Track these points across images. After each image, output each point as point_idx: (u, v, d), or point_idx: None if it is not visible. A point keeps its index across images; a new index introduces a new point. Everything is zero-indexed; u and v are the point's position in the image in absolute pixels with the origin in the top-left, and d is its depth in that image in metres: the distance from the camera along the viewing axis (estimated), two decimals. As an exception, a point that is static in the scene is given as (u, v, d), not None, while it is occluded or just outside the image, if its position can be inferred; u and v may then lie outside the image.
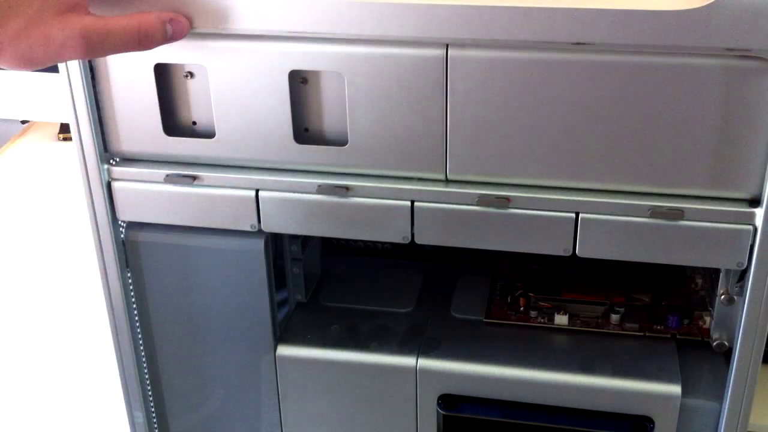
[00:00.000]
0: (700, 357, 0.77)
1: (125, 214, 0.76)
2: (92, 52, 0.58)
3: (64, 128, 1.57)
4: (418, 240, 0.71)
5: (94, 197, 0.75)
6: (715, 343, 0.75)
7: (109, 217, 0.76)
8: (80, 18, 0.57)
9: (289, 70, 0.67)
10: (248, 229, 0.74)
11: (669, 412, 0.74)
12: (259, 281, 0.77)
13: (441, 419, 0.79)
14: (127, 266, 0.79)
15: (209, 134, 0.72)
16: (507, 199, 0.68)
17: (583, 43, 0.61)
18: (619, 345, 0.79)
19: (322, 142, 0.71)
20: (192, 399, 0.85)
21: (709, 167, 0.64)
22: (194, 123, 0.73)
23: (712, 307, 0.76)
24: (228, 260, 0.77)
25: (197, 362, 0.83)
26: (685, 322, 0.80)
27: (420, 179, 0.70)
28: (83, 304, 1.21)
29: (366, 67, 0.65)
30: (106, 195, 0.75)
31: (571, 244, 0.68)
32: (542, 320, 0.81)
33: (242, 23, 0.64)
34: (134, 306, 0.81)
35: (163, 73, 0.71)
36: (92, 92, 0.71)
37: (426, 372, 0.78)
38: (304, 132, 0.71)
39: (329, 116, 0.70)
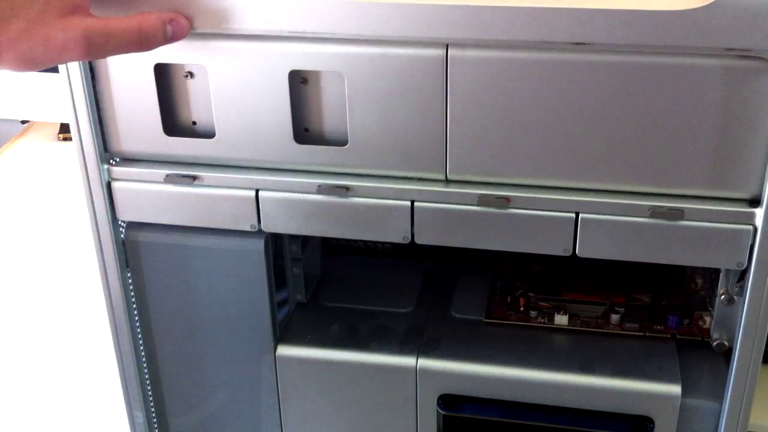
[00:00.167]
0: (700, 357, 0.77)
1: (125, 214, 0.76)
2: (93, 54, 0.58)
3: (64, 128, 1.57)
4: (418, 240, 0.71)
5: (94, 197, 0.75)
6: (715, 343, 0.75)
7: (109, 217, 0.76)
8: (81, 19, 0.57)
9: (289, 70, 0.67)
10: (248, 229, 0.74)
11: (669, 412, 0.74)
12: (259, 281, 0.77)
13: (441, 419, 0.79)
14: (127, 266, 0.79)
15: (209, 134, 0.72)
16: (507, 199, 0.68)
17: (583, 43, 0.61)
18: (619, 345, 0.79)
19: (322, 142, 0.71)
20: (192, 399, 0.85)
21: (709, 167, 0.64)
22: (194, 123, 0.73)
23: (712, 307, 0.76)
24: (228, 260, 0.77)
25: (197, 362, 0.83)
26: (685, 322, 0.80)
27: (420, 179, 0.70)
28: (83, 304, 1.21)
29: (366, 67, 0.65)
30: (106, 195, 0.75)
31: (571, 244, 0.68)
32: (542, 320, 0.81)
33: (242, 23, 0.64)
34: (134, 306, 0.81)
35: (163, 73, 0.71)
36: (92, 92, 0.71)
37: (426, 372, 0.78)
38: (304, 132, 0.71)
39: (329, 116, 0.70)
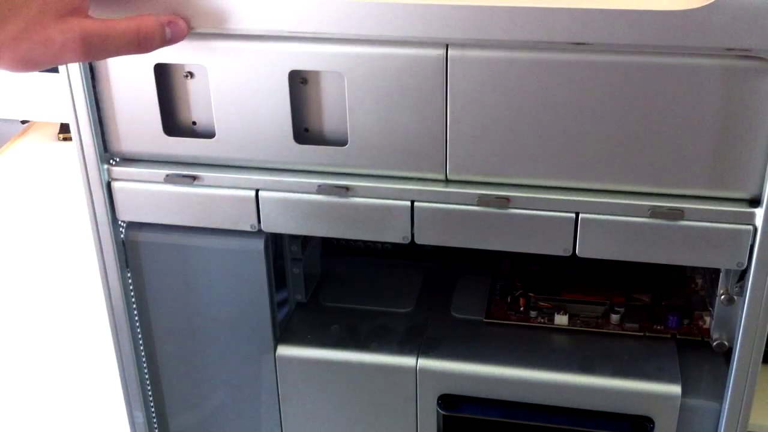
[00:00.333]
0: (700, 357, 0.77)
1: (125, 214, 0.76)
2: (91, 55, 0.58)
3: (64, 128, 1.57)
4: (418, 240, 0.71)
5: (94, 197, 0.75)
6: (715, 343, 0.75)
7: (109, 217, 0.76)
8: (80, 21, 0.57)
9: (289, 70, 0.67)
10: (248, 229, 0.74)
11: (669, 412, 0.74)
12: (259, 281, 0.77)
13: (441, 419, 0.79)
14: (127, 266, 0.79)
15: (209, 134, 0.72)
16: (507, 199, 0.68)
17: (583, 43, 0.60)
18: (619, 345, 0.79)
19: (322, 142, 0.71)
20: (192, 399, 0.85)
21: (709, 167, 0.64)
22: (194, 123, 0.73)
23: (712, 307, 0.76)
24: (228, 260, 0.77)
25: (197, 362, 0.83)
26: (685, 322, 0.80)
27: (420, 179, 0.70)
28: (83, 304, 1.21)
29: (366, 67, 0.65)
30: (106, 195, 0.75)
31: (571, 244, 0.68)
32: (542, 320, 0.81)
33: (242, 23, 0.64)
34: (134, 306, 0.81)
35: (163, 73, 0.71)
36: (92, 92, 0.71)
37: (426, 372, 0.78)
38: (304, 132, 0.71)
39: (329, 116, 0.70)
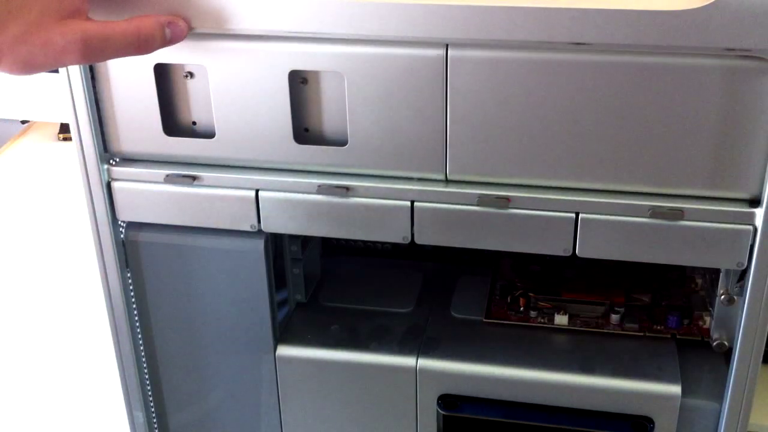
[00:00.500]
0: (700, 357, 0.77)
1: (125, 214, 0.76)
2: (92, 57, 0.58)
3: (64, 128, 1.57)
4: (418, 240, 0.71)
5: (94, 197, 0.75)
6: (715, 343, 0.75)
7: (109, 217, 0.76)
8: (80, 23, 0.57)
9: (289, 70, 0.67)
10: (248, 229, 0.74)
11: (669, 412, 0.74)
12: (259, 281, 0.77)
13: (441, 419, 0.79)
14: (127, 266, 0.79)
15: (209, 134, 0.72)
16: (507, 199, 0.68)
17: (583, 43, 0.60)
18: (619, 345, 0.79)
19: (322, 142, 0.71)
20: (192, 399, 0.85)
21: (709, 167, 0.64)
22: (194, 123, 0.73)
23: (712, 307, 0.76)
24: (228, 260, 0.77)
25: (197, 362, 0.83)
26: (685, 322, 0.80)
27: (420, 179, 0.70)
28: (83, 304, 1.21)
29: (366, 67, 0.65)
30: (106, 195, 0.75)
31: (571, 244, 0.68)
32: (542, 320, 0.81)
33: (242, 23, 0.64)
34: (134, 306, 0.81)
35: (163, 73, 0.71)
36: (92, 92, 0.71)
37: (426, 372, 0.78)
38: (304, 132, 0.71)
39: (329, 116, 0.70)
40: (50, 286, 1.26)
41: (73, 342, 1.17)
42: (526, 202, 0.68)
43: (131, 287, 0.80)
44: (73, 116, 0.72)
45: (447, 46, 0.64)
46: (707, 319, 0.79)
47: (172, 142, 0.72)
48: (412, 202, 0.70)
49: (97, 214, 0.76)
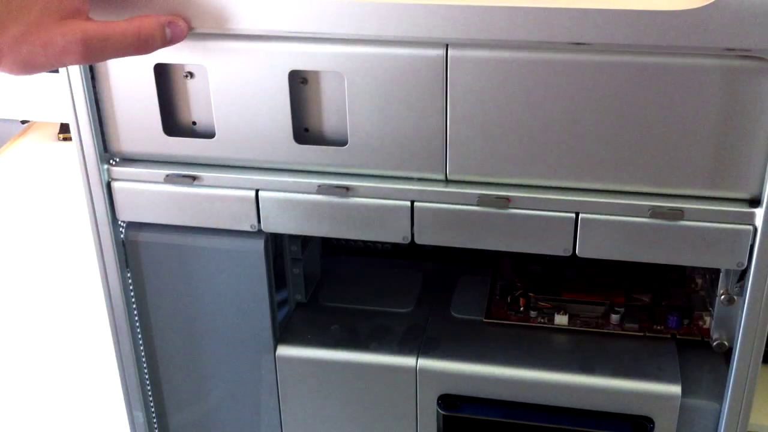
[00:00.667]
0: (700, 357, 0.77)
1: (125, 214, 0.76)
2: (92, 57, 0.58)
3: (64, 128, 1.57)
4: (418, 240, 0.71)
5: (94, 197, 0.75)
6: (715, 343, 0.75)
7: (109, 217, 0.76)
8: (80, 23, 0.57)
9: (289, 70, 0.67)
10: (248, 229, 0.74)
11: (669, 412, 0.74)
12: (259, 281, 0.77)
13: (441, 419, 0.79)
14: (127, 266, 0.79)
15: (209, 134, 0.72)
16: (507, 199, 0.68)
17: (583, 43, 0.60)
18: (619, 345, 0.79)
19: (322, 142, 0.71)
20: (192, 399, 0.85)
21: (709, 167, 0.64)
22: (194, 123, 0.73)
23: (712, 307, 0.76)
24: (228, 260, 0.77)
25: (197, 362, 0.83)
26: (685, 322, 0.80)
27: (420, 179, 0.70)
28: (83, 304, 1.21)
29: (366, 67, 0.65)
30: (106, 195, 0.75)
31: (571, 244, 0.68)
32: (542, 320, 0.81)
33: (242, 23, 0.64)
34: (134, 306, 0.81)
35: (163, 73, 0.71)
36: (92, 92, 0.71)
37: (426, 372, 0.78)
38: (304, 132, 0.71)
39: (329, 116, 0.70)
40: (50, 286, 1.26)
41: (73, 342, 1.17)
42: (526, 202, 0.68)
43: (131, 287, 0.80)
44: (73, 116, 0.72)
45: (447, 46, 0.64)
46: (707, 319, 0.79)
47: (172, 142, 0.72)
48: (412, 202, 0.70)
49: (97, 214, 0.76)
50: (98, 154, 0.73)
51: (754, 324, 0.67)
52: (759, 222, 0.64)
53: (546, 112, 0.64)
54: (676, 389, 0.74)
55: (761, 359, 0.69)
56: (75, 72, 0.70)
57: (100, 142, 0.73)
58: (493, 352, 0.78)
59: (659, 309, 0.81)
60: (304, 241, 0.83)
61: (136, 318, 0.81)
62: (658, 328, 0.80)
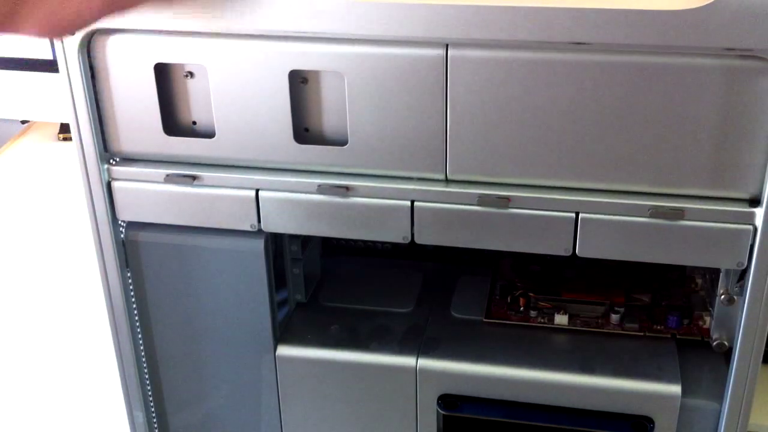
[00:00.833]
0: (700, 357, 0.77)
1: (125, 214, 0.76)
2: (113, 6, 0.57)
3: (64, 128, 1.57)
4: (418, 240, 0.71)
5: (94, 197, 0.75)
6: (715, 343, 0.75)
7: (109, 217, 0.76)
8: None
9: (289, 70, 0.67)
10: (248, 229, 0.74)
11: (669, 412, 0.74)
12: (259, 281, 0.77)
13: (441, 419, 0.79)
14: (127, 266, 0.79)
15: (209, 134, 0.72)
16: (507, 199, 0.68)
17: (583, 43, 0.61)
18: (619, 345, 0.79)
19: (322, 142, 0.71)
20: (192, 399, 0.85)
21: (709, 167, 0.64)
22: (194, 123, 0.73)
23: (712, 307, 0.76)
24: (228, 260, 0.77)
25: (197, 362, 0.83)
26: (685, 322, 0.80)
27: (420, 179, 0.70)
28: (83, 304, 1.21)
29: (366, 67, 0.65)
30: (106, 195, 0.75)
31: (571, 244, 0.68)
32: (542, 320, 0.81)
33: (242, 23, 0.64)
34: (134, 306, 0.81)
35: (163, 73, 0.71)
36: (92, 92, 0.71)
37: (426, 372, 0.78)
38: (304, 132, 0.71)
39: (329, 116, 0.70)
40: (50, 286, 1.26)
41: (74, 342, 1.17)
42: (526, 202, 0.68)
43: (131, 287, 0.80)
44: (73, 116, 0.72)
45: (447, 46, 0.64)
46: (707, 319, 0.79)
47: (172, 142, 0.72)
48: (412, 202, 0.70)
49: (97, 214, 0.76)
50: (98, 154, 0.73)
51: (754, 324, 0.67)
52: (759, 222, 0.64)
53: (546, 112, 0.64)
54: (676, 389, 0.74)
55: (761, 359, 0.69)
56: (75, 72, 0.70)
57: (100, 142, 0.73)
58: (493, 352, 0.78)
59: (659, 309, 0.81)
60: (304, 241, 0.83)
61: (136, 318, 0.81)
62: (658, 328, 0.80)
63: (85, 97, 0.71)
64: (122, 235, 0.78)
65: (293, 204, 0.72)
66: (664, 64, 0.61)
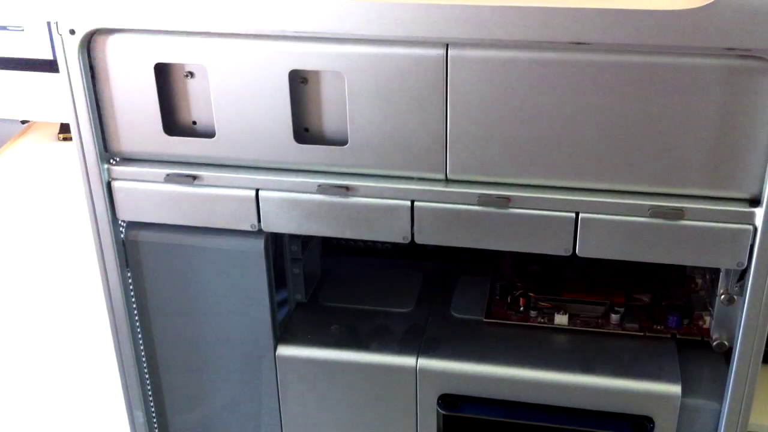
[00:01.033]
0: (700, 357, 0.77)
1: (125, 214, 0.76)
2: None
3: (64, 128, 1.57)
4: (418, 240, 0.71)
5: (94, 197, 0.75)
6: (715, 343, 0.75)
7: (109, 216, 0.76)
8: None
9: (289, 70, 0.67)
10: (248, 229, 0.74)
11: (669, 412, 0.74)
12: (259, 281, 0.77)
13: (441, 419, 0.79)
14: (127, 266, 0.79)
15: (209, 134, 0.72)
16: (507, 199, 0.68)
17: (583, 43, 0.61)
18: (619, 345, 0.79)
19: (322, 142, 0.71)
20: (192, 399, 0.85)
21: (709, 167, 0.64)
22: (194, 123, 0.73)
23: (712, 307, 0.76)
24: (228, 260, 0.77)
25: (197, 362, 0.83)
26: (685, 322, 0.79)
27: (420, 179, 0.70)
28: (83, 304, 1.21)
29: (366, 67, 0.65)
30: (106, 195, 0.75)
31: (571, 244, 0.68)
32: (542, 320, 0.81)
33: (242, 23, 0.64)
34: (134, 306, 0.81)
35: (163, 73, 0.71)
36: (92, 92, 0.71)
37: (426, 372, 0.78)
38: (304, 132, 0.71)
39: (329, 116, 0.70)
40: (50, 286, 1.26)
41: (74, 342, 1.17)
42: (526, 201, 0.68)
43: (131, 287, 0.80)
44: (73, 116, 0.72)
45: (447, 46, 0.64)
46: (707, 319, 0.79)
47: (172, 142, 0.72)
48: (412, 202, 0.70)
49: (97, 214, 0.76)
50: (98, 154, 0.73)
51: (754, 324, 0.67)
52: (759, 222, 0.64)
53: (546, 112, 0.64)
54: (676, 389, 0.74)
55: (761, 359, 0.69)
56: (75, 72, 0.70)
57: (100, 142, 0.73)
58: (493, 352, 0.78)
59: (659, 309, 0.81)
60: (304, 241, 0.83)
61: (136, 318, 0.81)
62: (658, 328, 0.80)
63: (85, 97, 0.71)
64: (122, 235, 0.78)
65: (293, 204, 0.72)
66: (664, 64, 0.61)
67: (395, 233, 0.71)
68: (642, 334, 0.79)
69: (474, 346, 0.79)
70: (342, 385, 0.81)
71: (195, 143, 0.72)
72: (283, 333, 0.82)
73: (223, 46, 0.67)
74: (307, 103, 0.70)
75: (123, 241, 0.78)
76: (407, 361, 0.78)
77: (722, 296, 0.71)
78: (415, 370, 0.78)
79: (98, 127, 0.72)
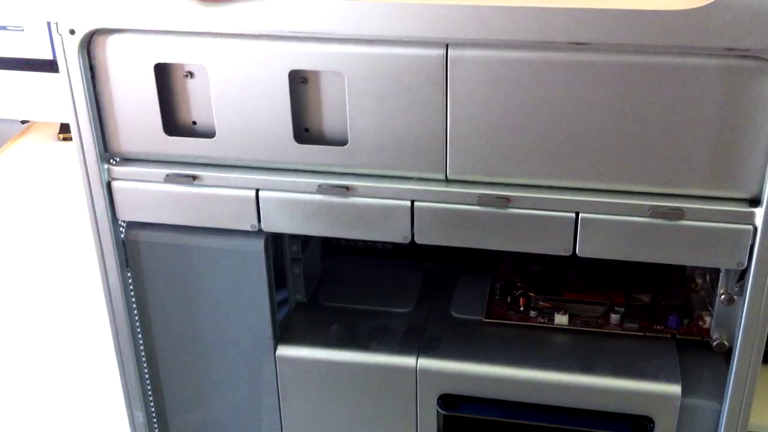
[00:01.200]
0: (700, 357, 0.77)
1: (125, 214, 0.76)
2: None
3: (64, 128, 1.57)
4: (418, 240, 0.71)
5: (94, 197, 0.75)
6: (715, 343, 0.75)
7: (109, 217, 0.76)
8: None
9: (289, 70, 0.67)
10: (248, 229, 0.74)
11: (669, 412, 0.74)
12: (259, 281, 0.77)
13: (441, 419, 0.79)
14: (127, 266, 0.79)
15: (209, 134, 0.72)
16: (507, 199, 0.68)
17: (583, 43, 0.60)
18: (619, 345, 0.79)
19: (322, 142, 0.71)
20: (192, 399, 0.85)
21: (709, 167, 0.64)
22: (194, 123, 0.73)
23: (712, 307, 0.76)
24: (228, 260, 0.77)
25: (197, 362, 0.83)
26: (685, 322, 0.79)
27: (420, 179, 0.70)
28: (83, 304, 1.21)
29: (366, 67, 0.65)
30: (106, 195, 0.75)
31: (571, 244, 0.68)
32: (542, 320, 0.81)
33: (242, 23, 0.64)
34: (134, 306, 0.81)
35: (163, 73, 0.71)
36: (92, 92, 0.71)
37: (426, 372, 0.78)
38: (304, 132, 0.71)
39: (329, 116, 0.70)
40: (50, 286, 1.26)
41: (74, 342, 1.17)
42: (526, 202, 0.68)
43: (131, 287, 0.80)
44: (73, 116, 0.72)
45: (447, 46, 0.64)
46: (707, 319, 0.79)
47: (172, 142, 0.72)
48: (412, 202, 0.70)
49: (97, 214, 0.76)
50: (98, 154, 0.73)
51: (754, 324, 0.67)
52: (759, 222, 0.64)
53: (546, 112, 0.64)
54: (676, 389, 0.74)
55: (761, 359, 0.69)
56: (75, 71, 0.70)
57: (100, 142, 0.73)
58: (493, 352, 0.78)
59: (659, 309, 0.81)
60: (304, 241, 0.83)
61: (136, 318, 0.81)
62: (658, 328, 0.80)
63: (85, 97, 0.71)
64: (122, 235, 0.78)
65: (293, 204, 0.72)
66: (664, 64, 0.61)
67: (395, 233, 0.71)
68: (642, 334, 0.79)
69: (474, 346, 0.79)
70: (342, 385, 0.81)
71: (195, 143, 0.72)
72: (283, 333, 0.82)
73: (223, 46, 0.67)
74: (307, 103, 0.70)
75: (123, 241, 0.78)
76: (407, 361, 0.78)
77: (722, 296, 0.71)
78: (415, 370, 0.78)
79: (98, 127, 0.72)
